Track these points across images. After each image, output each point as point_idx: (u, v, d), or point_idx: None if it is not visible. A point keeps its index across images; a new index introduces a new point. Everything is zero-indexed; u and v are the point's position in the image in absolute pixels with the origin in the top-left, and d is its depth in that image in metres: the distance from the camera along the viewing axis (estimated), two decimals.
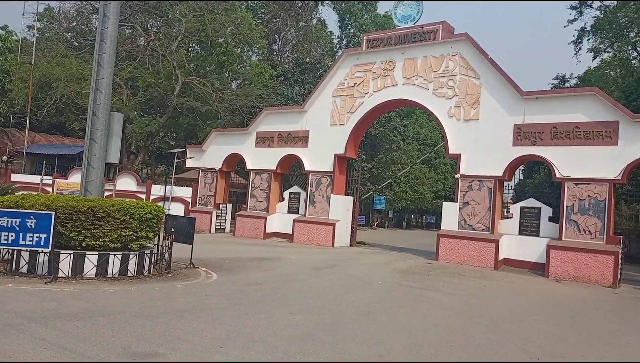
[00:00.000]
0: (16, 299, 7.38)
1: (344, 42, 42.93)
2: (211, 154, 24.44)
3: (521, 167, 23.25)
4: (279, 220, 21.87)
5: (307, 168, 21.06)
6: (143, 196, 24.50)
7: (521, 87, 16.25)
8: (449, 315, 8.49)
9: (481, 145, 16.77)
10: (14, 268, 9.37)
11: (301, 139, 21.43)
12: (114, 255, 9.65)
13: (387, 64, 19.22)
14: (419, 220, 55.33)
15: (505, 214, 18.75)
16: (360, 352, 6.01)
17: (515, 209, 16.63)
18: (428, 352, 6.23)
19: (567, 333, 7.91)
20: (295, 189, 22.43)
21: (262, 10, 38.42)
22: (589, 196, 14.75)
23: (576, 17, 31.42)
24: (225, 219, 24.21)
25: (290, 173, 27.55)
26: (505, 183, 18.55)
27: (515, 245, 16.05)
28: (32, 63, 27.77)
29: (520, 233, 16.06)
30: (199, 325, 6.65)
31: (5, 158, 27.66)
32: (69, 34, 31.89)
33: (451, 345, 6.59)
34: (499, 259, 15.86)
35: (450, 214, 17.19)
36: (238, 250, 16.52)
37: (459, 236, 16.61)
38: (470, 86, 17.22)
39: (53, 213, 8.87)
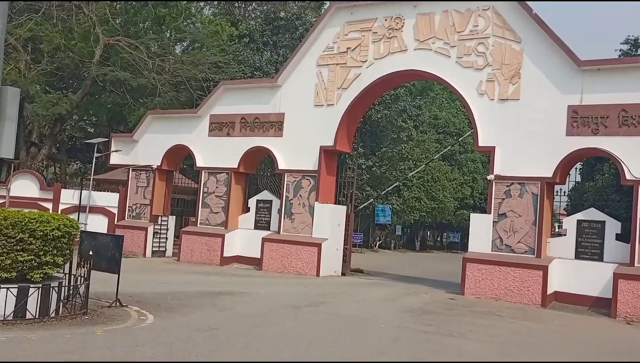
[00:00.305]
0: None
1: None
2: (146, 147, 24.31)
3: (578, 165, 23.54)
4: (243, 239, 21.83)
5: (281, 165, 21.07)
6: (49, 206, 24.23)
7: (578, 55, 16.48)
8: None
9: (523, 134, 16.96)
10: None
11: (273, 125, 21.44)
12: (7, 289, 9.52)
13: (393, 21, 19.33)
14: (438, 238, 55.82)
15: (557, 230, 18.99)
16: None
17: (570, 223, 16.83)
18: None
19: None
20: (265, 195, 22.41)
21: None
22: None
23: None
24: (166, 238, 24.07)
25: (259, 172, 27.53)
26: (557, 188, 18.78)
27: (570, 273, 16.23)
28: None
29: (578, 256, 16.26)
30: None
31: None
32: None
33: None
34: (548, 292, 16.02)
35: (480, 231, 17.33)
36: (184, 281, 16.42)
37: (493, 261, 16.75)
38: (508, 53, 17.41)
39: None
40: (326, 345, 9.59)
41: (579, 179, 33.36)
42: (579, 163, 21.42)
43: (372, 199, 36.20)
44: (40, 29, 28.89)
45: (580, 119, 16.27)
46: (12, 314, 9.55)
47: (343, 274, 20.65)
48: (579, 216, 16.87)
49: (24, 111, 29.24)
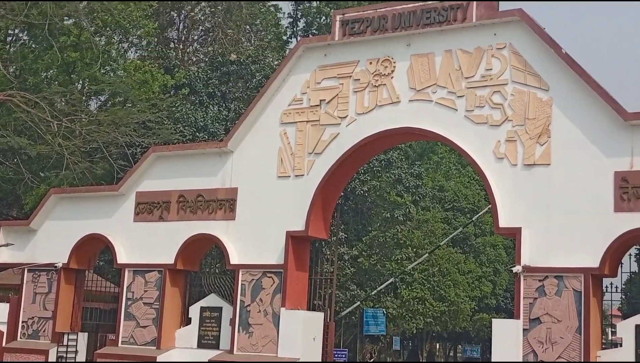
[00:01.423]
0: None
1: (301, 23, 43.92)
2: (48, 238, 24.07)
3: (633, 250, 23.73)
4: (182, 362, 21.43)
5: (234, 259, 20.94)
6: None
7: (624, 106, 16.83)
8: None
9: (558, 211, 17.06)
10: None
11: (222, 204, 21.43)
12: None
13: (380, 65, 19.68)
14: (451, 353, 55.37)
15: (610, 338, 18.91)
16: None
17: (626, 329, 16.78)
18: None
19: None
20: (211, 301, 22.16)
21: None
22: None
23: None
24: None
25: (203, 270, 27.30)
26: (607, 281, 18.82)
27: None
28: None
29: None
30: None
31: None
32: None
33: None
34: None
35: (507, 343, 17.16)
36: None
37: None
38: (532, 104, 17.69)
39: None
40: None
41: (636, 269, 33.62)
42: (635, 247, 21.67)
43: (358, 302, 35.90)
44: None
45: (632, 189, 16.44)
46: None
47: None
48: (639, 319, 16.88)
49: None
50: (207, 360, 20.51)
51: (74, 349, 23.56)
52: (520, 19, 18.10)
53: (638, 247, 24.73)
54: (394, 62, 19.54)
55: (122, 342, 22.22)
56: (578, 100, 17.30)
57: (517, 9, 18.25)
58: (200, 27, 42.07)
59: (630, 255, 21.10)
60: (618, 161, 16.69)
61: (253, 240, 20.74)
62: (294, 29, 44.03)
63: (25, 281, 24.30)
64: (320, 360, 20.56)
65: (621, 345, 16.76)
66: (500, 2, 18.94)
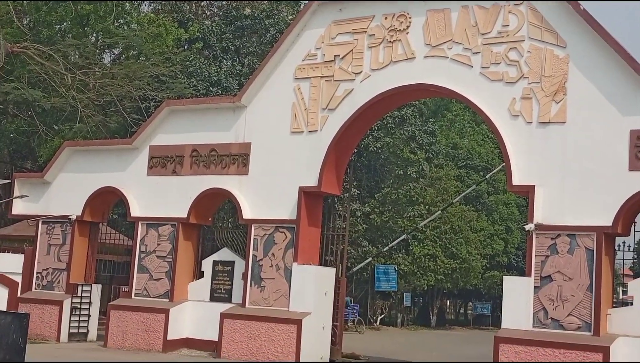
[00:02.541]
0: None
1: None
2: (62, 191, 24.19)
3: None
4: (194, 315, 21.66)
5: (247, 214, 21.03)
6: None
7: None
8: None
9: (572, 170, 17.03)
10: None
11: (236, 159, 21.46)
12: None
13: (395, 20, 19.56)
14: (462, 310, 55.70)
15: (621, 298, 18.96)
16: None
17: (637, 288, 16.80)
18: None
19: None
20: (224, 255, 22.30)
21: None
22: None
23: None
24: (89, 316, 23.78)
25: (216, 224, 27.41)
26: (619, 240, 18.82)
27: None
28: None
29: None
30: None
31: None
32: None
33: None
34: None
35: (518, 300, 17.25)
36: None
37: (536, 340, 16.65)
38: (549, 61, 17.59)
39: None
40: None
41: None
42: None
43: (370, 259, 36.03)
44: None
45: None
46: None
47: (332, 362, 20.47)
48: None
49: None
50: (220, 313, 20.70)
51: (88, 300, 23.82)
52: None
53: None
54: (410, 18, 19.41)
55: (135, 294, 22.44)
56: (595, 58, 17.19)
57: None
58: None
59: None
60: (635, 119, 16.62)
61: (266, 195, 20.80)
62: None
63: (39, 233, 24.49)
64: (332, 314, 20.71)
65: (632, 304, 16.80)
66: None
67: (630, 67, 16.66)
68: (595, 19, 17.24)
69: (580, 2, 17.46)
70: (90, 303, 23.86)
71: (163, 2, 39.02)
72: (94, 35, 33.68)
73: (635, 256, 30.92)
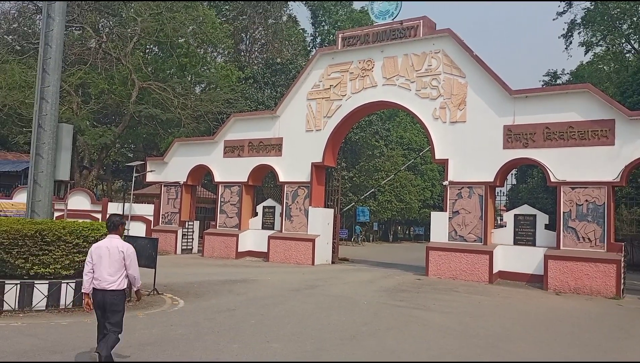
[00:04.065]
0: None
1: (318, 40, 43.23)
2: (174, 167, 24.24)
3: (514, 171, 23.65)
4: (253, 237, 21.77)
5: (281, 178, 21.06)
6: (99, 216, 24.07)
7: (510, 85, 16.63)
8: (442, 336, 8.56)
9: (469, 149, 17.04)
10: None
11: (274, 147, 21.44)
12: (67, 283, 9.45)
13: (365, 63, 19.43)
14: (407, 232, 55.79)
15: (499, 223, 19.01)
16: None
17: (508, 217, 16.92)
18: None
19: (570, 351, 8.04)
20: (269, 202, 22.38)
21: (227, 7, 38.47)
22: (586, 200, 15.09)
23: (565, 9, 32.39)
24: (192, 239, 23.97)
25: (264, 185, 27.49)
26: (498, 189, 18.86)
27: (510, 256, 16.30)
28: None
29: (516, 243, 16.34)
30: (165, 359, 6.54)
31: None
32: (10, 36, 31.33)
33: None
34: (494, 272, 16.07)
35: (439, 225, 17.38)
36: (207, 272, 16.34)
37: (450, 248, 16.79)
38: (455, 86, 17.52)
39: None
40: (321, 318, 9.56)
41: (514, 182, 33.52)
42: (514, 169, 21.53)
43: (353, 203, 36.16)
44: (88, 76, 28.81)
45: (514, 135, 16.37)
46: (71, 303, 9.48)
47: (333, 262, 20.62)
48: (516, 211, 16.96)
49: (77, 142, 29.10)
50: (267, 236, 20.82)
51: (192, 230, 23.99)
52: (449, 35, 17.75)
53: (516, 169, 24.54)
54: (374, 62, 19.25)
55: (218, 226, 22.57)
56: (482, 82, 17.09)
57: (447, 29, 17.87)
58: (259, 43, 41.38)
59: (512, 174, 21.01)
60: (506, 118, 16.57)
61: (292, 167, 20.80)
62: (314, 43, 43.35)
63: (162, 192, 24.59)
64: (332, 237, 20.81)
65: (505, 226, 16.90)
66: (436, 24, 18.58)
67: (502, 87, 16.64)
68: (481, 59, 17.16)
69: (473, 50, 17.35)
70: (193, 232, 24.07)
71: (230, 56, 38.70)
72: (190, 76, 33.50)
73: (507, 199, 30.89)
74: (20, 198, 23.88)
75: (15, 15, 30.46)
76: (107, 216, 6.21)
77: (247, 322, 9.07)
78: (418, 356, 7.23)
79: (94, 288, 5.87)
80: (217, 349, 7.12)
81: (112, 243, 5.96)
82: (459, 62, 17.53)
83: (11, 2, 30.02)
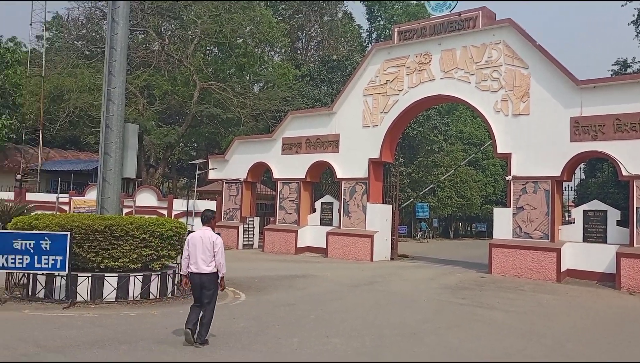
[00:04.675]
0: (33, 327, 7.58)
1: (374, 35, 42.84)
2: (235, 164, 24.74)
3: (582, 165, 22.60)
4: (311, 233, 21.89)
5: (339, 175, 21.04)
6: (164, 212, 24.95)
7: (576, 75, 15.85)
8: (507, 336, 8.27)
9: (534, 142, 16.38)
10: (30, 293, 9.66)
11: (331, 143, 21.45)
12: (135, 276, 9.83)
13: (422, 57, 19.06)
14: (468, 229, 54.49)
15: (567, 219, 18.21)
16: None
17: (577, 213, 16.15)
18: None
19: None
20: (327, 198, 22.42)
21: (283, 7, 38.81)
22: None
23: None
24: (253, 234, 24.39)
25: (321, 181, 27.57)
26: (565, 184, 18.05)
27: (579, 254, 15.55)
28: (43, 75, 28.81)
29: (585, 240, 15.58)
30: (227, 351, 6.67)
31: (19, 176, 28.68)
32: (80, 42, 32.96)
33: None
34: (562, 270, 15.39)
35: (503, 222, 16.83)
36: (268, 267, 16.58)
37: (514, 245, 16.22)
38: (517, 77, 16.89)
39: (68, 233, 9.12)
40: (381, 315, 9.47)
41: (583, 176, 31.98)
42: (583, 163, 20.50)
43: (412, 199, 35.66)
44: (152, 78, 29.89)
45: (582, 127, 15.59)
46: (139, 296, 9.86)
47: (391, 259, 20.40)
48: (585, 206, 16.16)
49: (143, 142, 30.27)
50: (326, 232, 20.88)
51: (252, 225, 24.41)
52: (509, 25, 17.12)
53: (585, 163, 23.40)
54: (431, 55, 18.86)
55: (278, 221, 22.86)
56: (547, 73, 16.39)
57: (507, 19, 17.25)
58: (314, 40, 41.53)
59: (580, 168, 20.10)
60: (572, 110, 15.82)
61: (350, 163, 20.73)
62: (370, 39, 43.08)
63: (223, 188, 25.15)
64: (390, 233, 20.60)
65: (574, 223, 16.13)
66: (496, 14, 17.99)
67: (568, 77, 15.88)
68: (545, 49, 16.48)
69: (535, 40, 16.67)
70: (253, 227, 24.48)
71: (286, 54, 39.09)
72: (248, 75, 34.08)
73: (575, 194, 29.55)
74: (92, 195, 25.12)
75: (84, 21, 31.97)
76: (202, 211, 7.51)
77: (307, 316, 9.11)
78: (481, 355, 7.01)
79: (191, 272, 6.93)
80: (277, 343, 7.19)
81: (205, 234, 7.04)
82: (520, 52, 16.88)
83: (79, 8, 31.51)
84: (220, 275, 7.03)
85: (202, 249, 6.92)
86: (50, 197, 26.08)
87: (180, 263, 7.30)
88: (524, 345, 7.67)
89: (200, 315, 6.81)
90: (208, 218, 7.34)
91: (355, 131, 20.68)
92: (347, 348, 7.03)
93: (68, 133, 33.14)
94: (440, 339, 7.83)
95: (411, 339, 7.75)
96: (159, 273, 10.21)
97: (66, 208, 24.95)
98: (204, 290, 6.86)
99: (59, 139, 34.70)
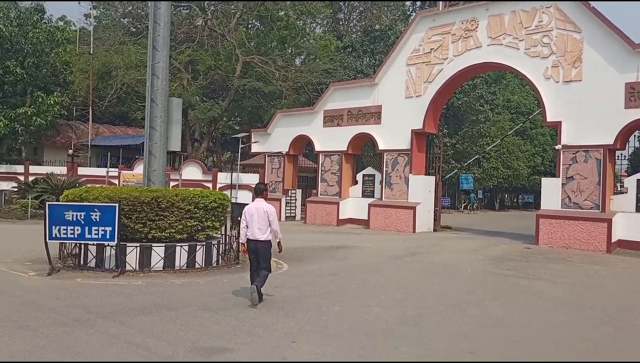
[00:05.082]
0: (85, 294, 7.91)
1: (418, 4, 41.70)
2: (277, 138, 24.84)
3: (637, 133, 21.46)
4: (353, 205, 21.86)
5: (381, 146, 20.82)
6: (209, 185, 25.45)
7: (633, 38, 14.96)
8: (553, 307, 8.05)
9: (586, 110, 15.67)
10: (82, 262, 10.06)
11: (373, 115, 21.18)
12: (181, 246, 10.08)
13: (468, 23, 18.41)
14: (514, 200, 53.28)
15: (619, 189, 17.46)
16: (447, 350, 5.84)
17: (630, 182, 15.46)
18: (528, 351, 5.92)
19: None
20: (369, 171, 22.28)
21: None
22: None
23: None
24: (295, 206, 24.59)
25: (363, 153, 27.37)
26: (618, 153, 17.25)
27: (632, 225, 14.92)
28: (91, 53, 29.54)
29: (638, 210, 14.92)
30: (270, 318, 6.77)
31: (71, 151, 29.80)
32: (126, 19, 33.54)
33: (556, 342, 6.23)
34: (613, 241, 14.83)
35: (551, 192, 16.29)
36: (309, 238, 16.67)
37: (563, 216, 15.71)
38: (569, 42, 16.09)
39: (117, 205, 9.39)
40: (423, 286, 9.40)
41: (637, 145, 30.51)
42: (638, 131, 19.52)
43: (456, 170, 35.03)
44: (196, 54, 30.20)
45: (637, 93, 14.78)
46: (185, 265, 10.12)
47: (435, 230, 20.18)
48: (639, 176, 15.43)
49: (187, 116, 30.77)
50: (368, 203, 20.81)
51: (295, 198, 24.60)
52: None
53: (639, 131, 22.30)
54: (477, 22, 18.19)
55: (320, 193, 22.93)
56: (601, 37, 15.55)
57: None
58: (357, 10, 40.82)
59: (635, 136, 19.17)
60: (628, 75, 15.06)
61: (392, 134, 20.44)
62: (414, 7, 41.98)
63: (266, 161, 25.38)
64: (433, 205, 20.33)
65: (626, 193, 15.45)
66: None
67: (624, 41, 15.04)
68: (599, 11, 15.58)
69: (590, 2, 15.78)
70: (295, 200, 24.67)
71: (328, 25, 38.56)
72: (290, 48, 33.90)
73: (629, 163, 28.24)
74: (140, 169, 25.83)
75: None
76: (255, 184, 8.31)
77: (348, 286, 9.13)
78: (527, 327, 6.86)
79: (248, 239, 7.66)
80: (319, 311, 7.24)
81: (259, 205, 7.67)
82: (573, 16, 16.04)
83: None
84: (277, 239, 7.82)
85: (258, 219, 7.57)
86: (101, 171, 27.03)
87: (239, 232, 8.12)
88: (572, 317, 7.45)
89: (259, 274, 7.59)
90: (260, 191, 7.91)
91: (398, 101, 20.32)
92: (388, 317, 7.01)
93: (116, 109, 34.05)
94: (484, 310, 7.70)
95: (454, 309, 7.65)
96: (204, 243, 10.43)
97: (116, 181, 25.80)
98: (260, 255, 7.60)
99: (108, 115, 35.73)
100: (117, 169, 27.07)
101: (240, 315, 6.87)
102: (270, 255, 7.76)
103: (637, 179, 15.21)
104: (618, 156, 17.35)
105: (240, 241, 7.95)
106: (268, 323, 6.55)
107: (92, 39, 29.84)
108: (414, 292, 8.81)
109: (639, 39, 15.05)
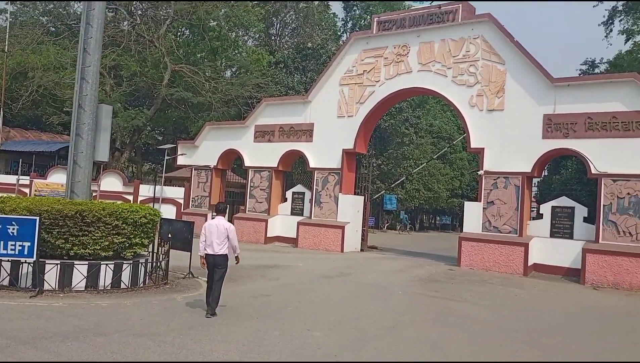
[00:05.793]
0: (0, 316, 7.22)
1: (349, 25, 42.66)
2: (205, 151, 24.28)
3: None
4: (282, 223, 21.72)
5: (312, 164, 20.91)
6: (130, 198, 24.33)
7: (550, 72, 16.10)
8: (482, 329, 8.35)
9: (507, 138, 16.60)
10: None
11: (305, 133, 21.26)
12: (106, 264, 9.50)
13: (400, 48, 19.04)
14: (432, 221, 55.29)
15: (536, 214, 18.56)
16: None
17: (545, 209, 16.48)
18: None
19: (617, 346, 7.76)
20: (299, 188, 22.27)
21: None
22: (628, 193, 14.59)
23: None
24: None
25: (293, 170, 27.39)
26: (535, 180, 18.39)
27: (546, 249, 15.91)
28: (5, 50, 27.56)
29: (552, 235, 15.93)
30: (208, 344, 6.50)
31: None
32: (45, 18, 31.67)
33: None
34: (529, 264, 15.72)
35: (473, 215, 17.04)
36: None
37: (484, 239, 16.46)
38: (494, 73, 17.05)
39: (37, 218, 8.72)
40: (358, 307, 9.44)
41: (546, 173, 32.79)
42: (552, 159, 20.97)
43: (382, 191, 35.88)
44: (121, 59, 29.01)
45: (554, 125, 15.88)
46: (109, 285, 9.54)
47: (362, 250, 20.47)
48: (553, 203, 16.50)
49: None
50: (297, 222, 20.76)
51: None
52: (488, 20, 17.25)
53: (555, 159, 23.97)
54: (409, 47, 18.85)
55: (248, 210, 22.58)
56: (522, 69, 16.61)
57: (487, 13, 17.37)
58: (289, 27, 41.11)
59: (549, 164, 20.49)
60: (546, 107, 16.10)
61: (323, 153, 20.60)
62: (345, 28, 42.90)
63: (193, 175, 24.66)
64: (361, 225, 20.63)
65: (542, 218, 16.47)
66: (476, 8, 18.09)
67: (543, 74, 16.15)
68: (522, 46, 16.66)
69: (513, 35, 16.85)
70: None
71: (260, 40, 38.50)
72: (221, 60, 33.46)
73: (538, 190, 30.30)
74: (55, 178, 24.27)
75: None
76: (215, 203, 9.58)
77: (284, 308, 9.00)
78: (463, 349, 7.05)
79: (207, 254, 8.31)
80: (258, 336, 7.05)
81: (220, 222, 8.40)
82: (498, 48, 17.04)
83: None
84: (236, 254, 8.54)
85: (217, 234, 8.28)
86: (11, 179, 25.11)
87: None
88: (502, 339, 7.76)
89: (212, 292, 8.17)
90: (221, 209, 8.72)
91: (330, 120, 20.55)
92: (330, 342, 6.96)
93: (30, 112, 31.93)
94: (420, 333, 7.85)
95: (391, 332, 7.73)
96: (131, 261, 9.90)
97: (27, 190, 24.04)
98: (217, 268, 8.27)
99: (20, 118, 33.41)
100: (29, 178, 25.23)
101: (176, 341, 6.54)
102: (226, 268, 8.43)
103: (552, 206, 16.26)
104: (535, 183, 18.49)
105: (199, 255, 8.50)
106: (207, 350, 6.28)
107: (7, 35, 27.86)
108: (351, 314, 8.83)
109: (557, 73, 16.23)
